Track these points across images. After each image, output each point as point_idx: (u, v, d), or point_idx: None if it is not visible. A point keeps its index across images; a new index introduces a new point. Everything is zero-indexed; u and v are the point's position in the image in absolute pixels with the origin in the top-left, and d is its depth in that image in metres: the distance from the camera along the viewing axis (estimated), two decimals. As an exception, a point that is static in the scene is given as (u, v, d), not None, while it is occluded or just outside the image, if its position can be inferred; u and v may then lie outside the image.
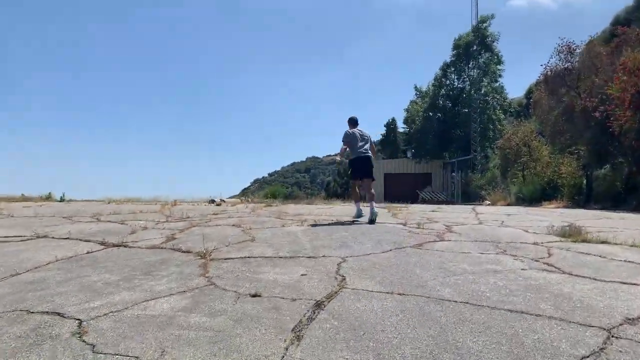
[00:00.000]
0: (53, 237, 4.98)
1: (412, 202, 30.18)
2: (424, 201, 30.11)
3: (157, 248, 4.43)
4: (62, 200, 12.40)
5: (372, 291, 2.99)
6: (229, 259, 3.93)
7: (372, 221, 6.65)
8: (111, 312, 2.68)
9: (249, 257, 4.01)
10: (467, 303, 2.74)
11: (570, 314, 2.54)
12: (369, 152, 7.63)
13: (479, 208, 11.23)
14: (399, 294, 2.92)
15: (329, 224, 6.32)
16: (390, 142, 58.28)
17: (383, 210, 9.25)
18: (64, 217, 6.79)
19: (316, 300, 2.80)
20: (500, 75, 34.90)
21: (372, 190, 7.48)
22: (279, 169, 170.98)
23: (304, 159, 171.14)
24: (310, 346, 2.13)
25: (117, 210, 7.92)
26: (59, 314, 2.67)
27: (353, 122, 7.90)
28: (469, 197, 29.47)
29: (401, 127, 47.30)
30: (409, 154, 43.58)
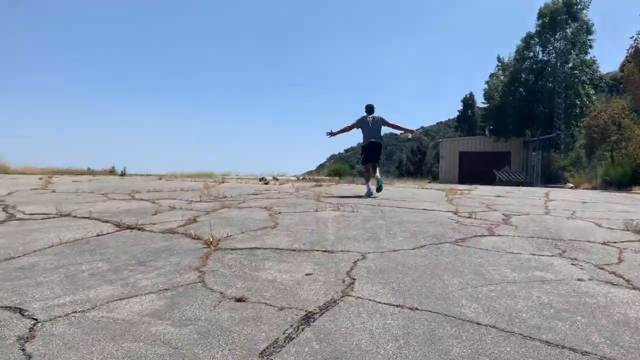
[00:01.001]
0: (75, 217, 4.86)
1: (488, 183, 28.68)
2: (501, 182, 28.43)
3: (169, 233, 4.14)
4: (122, 174, 12.80)
5: (379, 302, 2.45)
6: (236, 249, 3.53)
7: (379, 188, 7.94)
8: (75, 311, 2.37)
9: (259, 247, 3.59)
10: (493, 327, 2.14)
11: (632, 355, 1.87)
12: (380, 139, 8.72)
13: (553, 193, 10.07)
14: (411, 309, 2.37)
15: (368, 209, 5.77)
16: (467, 118, 55.72)
17: (440, 194, 8.50)
18: (101, 194, 6.78)
19: (307, 312, 2.33)
20: (590, 47, 31.61)
21: (378, 171, 8.39)
22: (355, 145, 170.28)
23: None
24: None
25: (159, 188, 7.87)
26: (20, 310, 2.41)
27: (368, 108, 8.67)
28: (550, 178, 27.34)
29: (480, 102, 44.64)
30: (486, 131, 41.35)
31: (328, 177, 19.83)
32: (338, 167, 24.87)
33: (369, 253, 3.43)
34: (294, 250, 3.53)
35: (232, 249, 3.53)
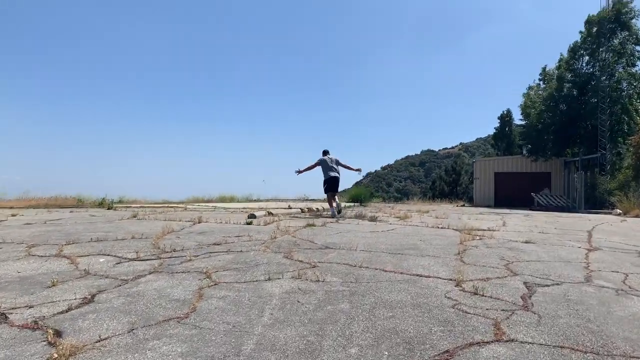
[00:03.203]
0: None
1: (526, 207, 26.56)
2: (539, 206, 26.29)
3: (29, 328, 2.89)
4: (109, 207, 11.97)
5: None
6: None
7: (339, 212, 11.23)
8: None
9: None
10: None
11: None
12: (337, 173, 11.55)
13: (598, 233, 8.36)
14: None
15: (340, 275, 4.40)
16: (504, 136, 53.28)
17: (453, 239, 7.01)
18: (30, 245, 5.68)
19: None
20: (639, 58, 29.22)
21: (336, 198, 11.45)
22: (392, 162, 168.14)
23: (419, 152, 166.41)
24: None
25: (112, 232, 6.72)
26: None
27: (324, 152, 11.75)
28: (595, 203, 25.04)
29: (517, 119, 42.28)
30: (524, 150, 39.08)
31: (344, 205, 18.52)
32: (359, 193, 23.44)
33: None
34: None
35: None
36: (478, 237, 7.29)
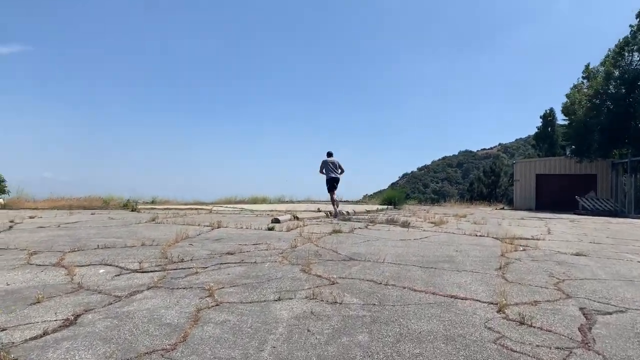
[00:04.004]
0: None
1: (570, 211, 25.18)
2: (584, 210, 24.87)
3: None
4: (133, 209, 11.80)
5: None
6: None
7: (340, 212, 12.78)
8: None
9: None
10: None
11: None
12: (338, 174, 13.07)
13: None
14: None
15: (362, 297, 3.84)
16: (546, 136, 51.15)
17: (493, 250, 6.33)
18: (31, 253, 5.34)
19: None
20: (693, 51, 27.25)
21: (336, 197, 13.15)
22: (429, 163, 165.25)
23: (456, 153, 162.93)
24: None
25: (123, 238, 6.34)
26: None
27: (328, 154, 13.15)
28: (646, 207, 23.46)
29: (560, 119, 40.31)
30: (568, 151, 37.26)
31: (377, 208, 17.89)
32: (393, 195, 22.66)
33: None
34: None
35: None
36: (521, 248, 6.57)
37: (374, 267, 4.90)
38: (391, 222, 10.71)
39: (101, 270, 4.41)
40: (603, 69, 30.37)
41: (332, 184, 12.92)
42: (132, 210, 12.78)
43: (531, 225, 11.69)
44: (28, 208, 13.28)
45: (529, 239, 8.01)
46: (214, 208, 15.85)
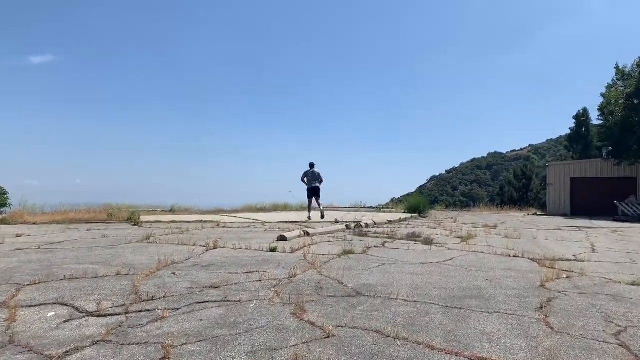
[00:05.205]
0: None
1: (608, 216, 23.61)
2: (624, 216, 23.28)
3: None
4: (135, 223, 11.30)
5: None
6: None
7: (322, 216, 15.13)
8: None
9: None
10: None
11: None
12: (319, 184, 15.26)
13: None
14: None
15: (362, 356, 2.96)
16: (580, 137, 48.88)
17: (531, 276, 5.35)
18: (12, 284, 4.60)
19: None
20: None
21: (320, 201, 15.51)
22: (457, 165, 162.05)
23: (485, 155, 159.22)
24: None
25: (83, 271, 5.58)
26: None
27: (310, 165, 15.35)
28: (694, 213, 21.72)
29: (595, 118, 38.26)
30: (604, 153, 35.25)
31: (400, 218, 16.95)
32: (418, 202, 21.54)
33: None
34: None
35: None
36: (564, 275, 5.54)
37: (384, 306, 4.00)
38: (412, 237, 9.72)
39: (50, 314, 3.64)
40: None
41: (313, 192, 15.14)
42: (134, 224, 12.16)
43: (570, 239, 10.53)
44: (26, 223, 12.76)
45: (571, 259, 6.95)
46: (223, 220, 15.14)
